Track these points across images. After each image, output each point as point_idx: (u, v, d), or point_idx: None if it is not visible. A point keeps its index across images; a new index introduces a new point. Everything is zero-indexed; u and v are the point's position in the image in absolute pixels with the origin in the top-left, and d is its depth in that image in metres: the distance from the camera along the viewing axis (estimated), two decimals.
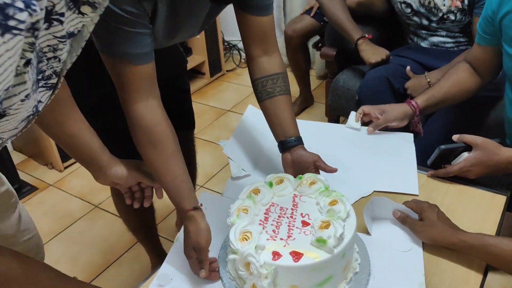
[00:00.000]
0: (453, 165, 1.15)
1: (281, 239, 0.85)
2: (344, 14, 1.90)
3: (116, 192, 1.40)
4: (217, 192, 1.97)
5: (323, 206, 0.90)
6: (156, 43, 0.98)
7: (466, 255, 0.94)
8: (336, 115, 2.14)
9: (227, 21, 3.24)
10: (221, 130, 2.52)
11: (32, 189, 2.16)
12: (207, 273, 0.90)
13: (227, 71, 3.17)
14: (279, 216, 0.91)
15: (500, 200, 1.09)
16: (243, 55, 3.27)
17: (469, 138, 1.12)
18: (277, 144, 1.12)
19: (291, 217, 0.91)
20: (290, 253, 0.82)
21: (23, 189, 2.15)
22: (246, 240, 0.83)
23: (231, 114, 2.67)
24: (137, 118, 0.94)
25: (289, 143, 1.08)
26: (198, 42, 2.90)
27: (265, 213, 0.91)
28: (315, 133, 1.29)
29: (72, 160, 2.30)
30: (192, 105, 1.51)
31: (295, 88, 2.67)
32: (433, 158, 1.18)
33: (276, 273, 0.81)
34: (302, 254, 0.82)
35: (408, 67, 1.81)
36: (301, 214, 0.91)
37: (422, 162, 1.25)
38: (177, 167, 0.96)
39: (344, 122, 2.37)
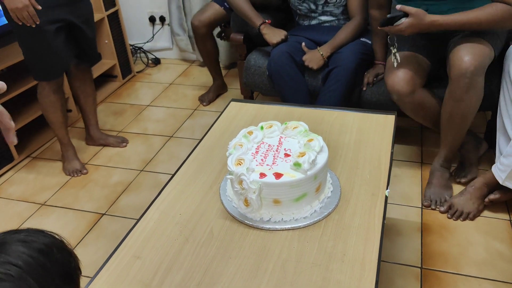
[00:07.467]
0: (394, 26, 1.65)
1: (267, 164, 1.09)
2: (246, 4, 2.25)
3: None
4: (160, 173, 2.18)
5: (302, 143, 1.15)
6: None
7: None
8: (250, 91, 2.48)
9: (131, 26, 3.42)
10: (146, 123, 2.71)
11: None
12: None
13: (137, 72, 3.35)
14: (267, 150, 1.15)
15: (391, 118, 1.50)
16: (150, 56, 3.48)
17: (407, 8, 1.62)
18: None
19: (277, 151, 1.14)
20: (273, 174, 1.05)
21: None
22: (240, 164, 1.07)
23: (152, 108, 2.87)
24: None
25: None
26: (107, 47, 3.05)
27: (256, 148, 1.16)
28: None
29: (3, 170, 2.33)
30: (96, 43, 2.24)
31: (208, 79, 2.95)
32: (381, 22, 1.66)
33: (262, 188, 1.05)
34: (282, 175, 1.05)
35: (303, 43, 2.21)
36: (285, 149, 1.15)
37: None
38: None
39: (257, 97, 2.71)
